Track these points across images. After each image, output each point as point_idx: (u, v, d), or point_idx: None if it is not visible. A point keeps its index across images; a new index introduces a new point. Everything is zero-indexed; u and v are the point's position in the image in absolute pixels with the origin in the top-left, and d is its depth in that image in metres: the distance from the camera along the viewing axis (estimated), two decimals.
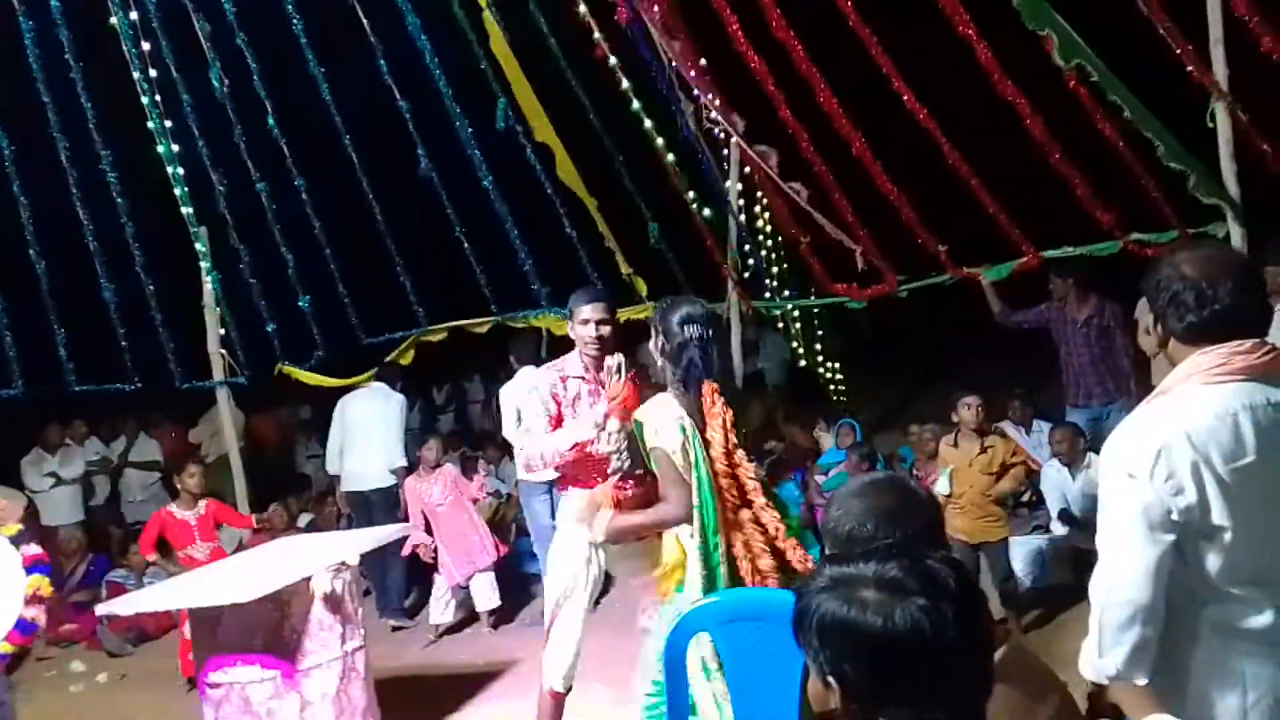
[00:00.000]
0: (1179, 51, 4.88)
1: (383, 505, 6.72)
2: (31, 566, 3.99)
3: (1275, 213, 5.51)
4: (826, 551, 1.96)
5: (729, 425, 3.15)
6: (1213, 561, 1.87)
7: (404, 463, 6.78)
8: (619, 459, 3.71)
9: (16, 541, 4.02)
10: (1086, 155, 5.44)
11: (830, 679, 1.30)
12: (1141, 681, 1.88)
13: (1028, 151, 5.42)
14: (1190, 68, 4.89)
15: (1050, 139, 5.33)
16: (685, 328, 3.18)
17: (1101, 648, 1.90)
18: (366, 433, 6.82)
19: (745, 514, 3.13)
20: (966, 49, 5.11)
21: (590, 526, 3.43)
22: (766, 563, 3.06)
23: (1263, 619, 1.87)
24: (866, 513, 1.85)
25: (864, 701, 1.28)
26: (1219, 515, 1.84)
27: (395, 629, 6.55)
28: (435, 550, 6.29)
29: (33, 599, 3.95)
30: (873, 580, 1.28)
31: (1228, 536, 1.85)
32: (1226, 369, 1.90)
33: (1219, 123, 4.96)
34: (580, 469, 3.78)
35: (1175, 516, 1.85)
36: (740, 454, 3.16)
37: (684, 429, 3.10)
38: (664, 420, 3.12)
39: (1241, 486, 1.85)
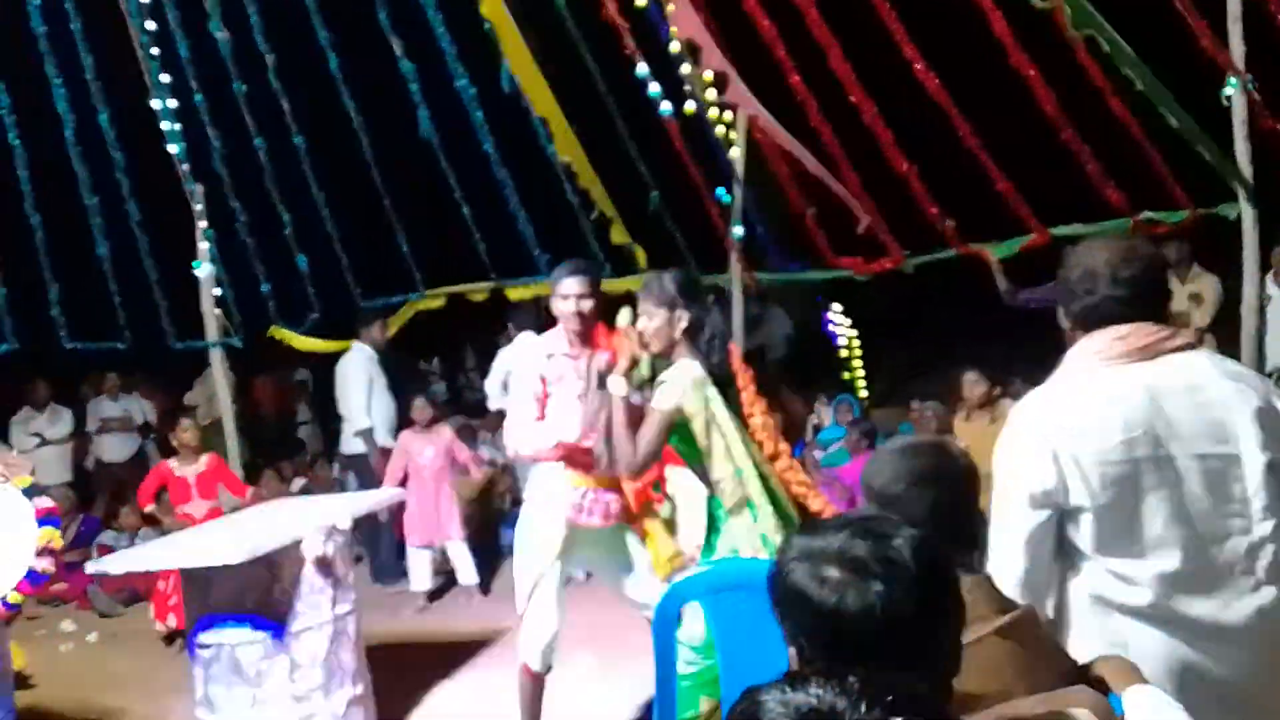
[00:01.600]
0: (1195, 27, 4.79)
1: (354, 470, 6.73)
2: (43, 519, 3.99)
3: None
4: (861, 501, 2.01)
5: (752, 384, 3.23)
6: (1084, 538, 1.95)
7: (368, 424, 6.65)
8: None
9: (29, 494, 4.03)
10: (1098, 132, 5.36)
11: (791, 647, 1.32)
12: None
13: (1039, 127, 5.34)
14: (1206, 44, 4.80)
15: (1062, 114, 5.24)
16: (703, 296, 3.21)
17: None
18: (340, 395, 6.85)
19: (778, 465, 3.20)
20: (979, 18, 5.02)
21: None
22: (817, 503, 3.13)
23: (1138, 592, 1.93)
24: (899, 474, 1.87)
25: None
26: (1079, 495, 1.92)
27: (394, 593, 6.52)
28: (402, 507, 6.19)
29: (44, 551, 3.95)
30: (836, 557, 1.29)
31: (1091, 515, 1.93)
32: (1106, 354, 1.99)
33: (1234, 102, 4.85)
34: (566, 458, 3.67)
35: (1045, 492, 1.94)
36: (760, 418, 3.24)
37: (708, 397, 3.06)
38: (685, 381, 3.06)
39: (1107, 467, 1.91)
